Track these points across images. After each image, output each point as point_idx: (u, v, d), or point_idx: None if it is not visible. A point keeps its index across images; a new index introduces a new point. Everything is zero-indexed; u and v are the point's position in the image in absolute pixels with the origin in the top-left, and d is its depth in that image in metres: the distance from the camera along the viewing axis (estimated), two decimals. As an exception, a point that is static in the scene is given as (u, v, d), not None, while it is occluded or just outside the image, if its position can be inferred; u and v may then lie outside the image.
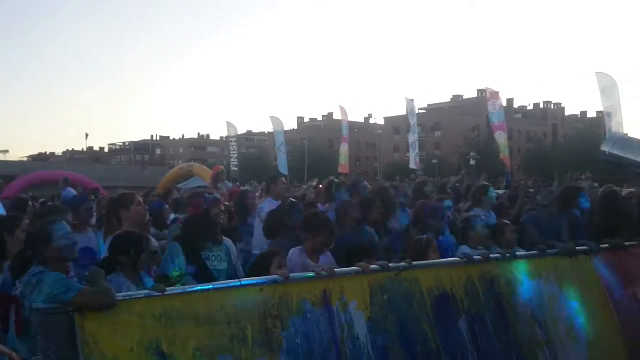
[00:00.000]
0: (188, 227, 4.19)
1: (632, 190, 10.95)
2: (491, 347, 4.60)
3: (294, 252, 4.47)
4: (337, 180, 7.90)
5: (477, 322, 4.64)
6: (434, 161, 64.05)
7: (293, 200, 5.77)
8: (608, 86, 24.25)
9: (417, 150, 32.25)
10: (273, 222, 5.35)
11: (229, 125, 34.41)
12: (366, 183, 7.93)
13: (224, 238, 4.59)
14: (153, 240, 4.60)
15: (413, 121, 31.93)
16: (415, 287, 4.45)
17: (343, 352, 3.90)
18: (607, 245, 5.78)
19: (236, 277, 4.14)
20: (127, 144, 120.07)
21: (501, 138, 26.85)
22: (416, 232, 5.51)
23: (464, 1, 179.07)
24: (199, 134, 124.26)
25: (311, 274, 4.04)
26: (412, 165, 32.27)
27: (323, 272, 4.04)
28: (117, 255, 3.90)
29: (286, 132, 45.95)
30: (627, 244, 5.94)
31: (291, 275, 3.96)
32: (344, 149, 34.75)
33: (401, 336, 4.19)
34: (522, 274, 5.12)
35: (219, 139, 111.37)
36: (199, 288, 3.59)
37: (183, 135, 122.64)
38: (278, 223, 5.26)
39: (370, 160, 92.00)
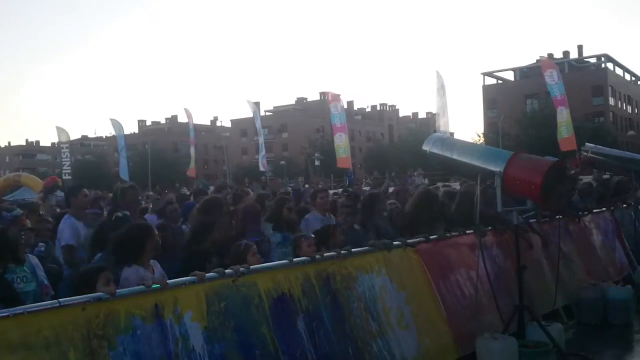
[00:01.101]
0: None
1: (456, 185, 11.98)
2: (328, 343, 4.73)
3: (134, 269, 4.22)
4: (123, 186, 7.14)
5: (314, 319, 4.74)
6: (282, 162, 65.09)
7: (119, 215, 5.45)
8: (441, 87, 26.37)
9: (264, 152, 32.52)
10: (100, 235, 4.99)
11: (60, 130, 31.97)
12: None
13: (29, 255, 4.20)
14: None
15: (258, 124, 32.14)
16: (253, 292, 4.42)
17: (177, 366, 3.76)
18: (433, 237, 6.26)
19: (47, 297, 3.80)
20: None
21: (341, 139, 27.90)
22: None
23: (305, 7, 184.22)
24: (27, 140, 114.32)
25: (140, 288, 3.83)
26: (261, 167, 32.50)
27: (154, 285, 3.86)
28: None
29: (127, 136, 43.80)
30: (448, 235, 6.49)
31: (118, 290, 3.72)
32: (192, 152, 34.02)
33: (239, 343, 4.14)
34: (356, 269, 5.34)
35: (50, 145, 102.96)
36: (7, 313, 3.23)
37: (9, 143, 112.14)
38: (105, 236, 4.92)
39: (219, 163, 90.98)
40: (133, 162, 52.00)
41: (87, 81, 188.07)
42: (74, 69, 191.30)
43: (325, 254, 5.15)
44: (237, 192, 8.49)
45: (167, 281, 4.00)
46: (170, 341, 3.78)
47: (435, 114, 27.58)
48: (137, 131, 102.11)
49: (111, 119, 32.28)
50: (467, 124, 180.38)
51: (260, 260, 4.80)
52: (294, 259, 4.96)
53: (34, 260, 4.23)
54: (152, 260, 4.48)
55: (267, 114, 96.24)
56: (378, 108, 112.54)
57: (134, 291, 3.81)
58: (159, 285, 3.86)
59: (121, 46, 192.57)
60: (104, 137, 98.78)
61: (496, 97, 71.69)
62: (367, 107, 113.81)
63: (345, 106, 38.22)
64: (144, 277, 4.16)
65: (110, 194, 8.09)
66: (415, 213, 6.53)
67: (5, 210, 3.83)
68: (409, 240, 5.92)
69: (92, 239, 5.08)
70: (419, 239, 6.02)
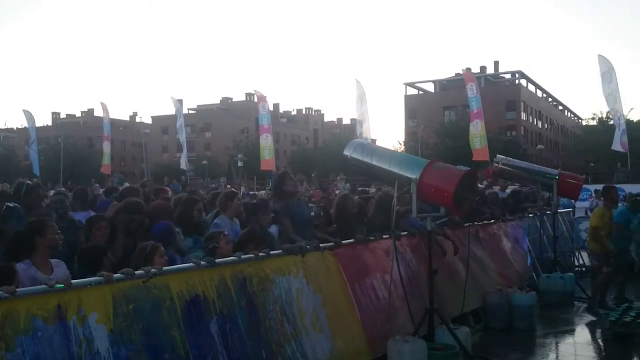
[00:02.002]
0: None
1: (374, 190, 12.23)
2: (241, 346, 4.68)
3: (20, 267, 3.99)
4: (29, 182, 6.75)
5: (228, 322, 4.67)
6: (204, 162, 63.98)
7: (10, 205, 5.14)
8: (361, 94, 26.95)
9: (185, 151, 31.88)
10: None
11: (-35, 119, 30.01)
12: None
13: None
14: None
15: (180, 121, 31.50)
16: (165, 294, 4.31)
17: (81, 369, 3.59)
18: (349, 241, 6.35)
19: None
20: None
21: (267, 140, 27.84)
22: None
23: (233, 8, 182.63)
24: None
25: (42, 287, 3.64)
26: (182, 166, 31.80)
27: (58, 285, 3.67)
28: None
29: (39, 128, 41.70)
30: (365, 238, 6.60)
31: (19, 290, 3.52)
32: (107, 148, 32.82)
33: (148, 346, 4.01)
34: (273, 271, 5.31)
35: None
36: None
37: None
38: None
39: (137, 161, 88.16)
40: (45, 156, 49.48)
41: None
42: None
43: (242, 256, 5.09)
44: (146, 191, 7.78)
45: (72, 281, 3.82)
46: (74, 343, 3.62)
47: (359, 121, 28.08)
48: (50, 124, 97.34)
49: (23, 110, 30.66)
50: (390, 131, 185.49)
51: (167, 262, 4.65)
52: (207, 261, 4.84)
53: None
54: (55, 260, 4.27)
55: (191, 112, 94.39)
56: (304, 112, 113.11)
57: (36, 290, 3.62)
58: (62, 286, 3.68)
59: (36, 34, 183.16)
60: (15, 128, 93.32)
61: (417, 107, 73.97)
62: (293, 110, 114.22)
63: (271, 108, 38.22)
64: (34, 276, 3.96)
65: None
66: (338, 218, 6.64)
67: None
68: (322, 244, 5.95)
69: None
70: (332, 243, 6.07)
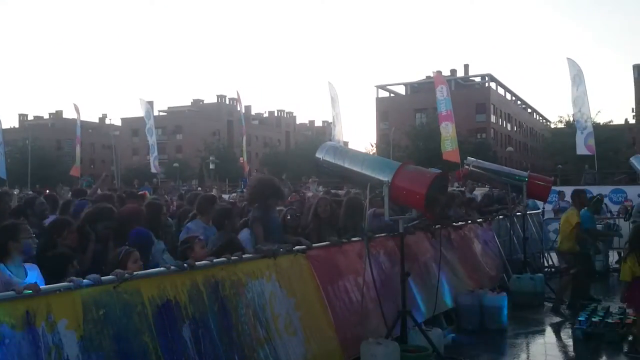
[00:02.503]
0: None
1: (344, 191, 12.25)
2: (214, 351, 4.64)
3: None
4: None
5: (200, 327, 4.63)
6: (175, 164, 63.42)
7: None
8: (333, 97, 27.05)
9: (156, 153, 31.54)
10: None
11: None
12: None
13: None
14: None
15: (150, 123, 31.18)
16: (136, 299, 4.24)
17: (49, 377, 3.52)
18: (324, 243, 6.36)
19: None
20: None
21: (243, 142, 27.71)
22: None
23: (202, 9, 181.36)
24: None
25: (10, 293, 3.55)
26: (152, 169, 31.44)
27: (26, 290, 3.59)
28: None
29: (6, 130, 40.78)
30: (338, 241, 6.61)
31: (-17, 296, 3.44)
32: (77, 151, 32.40)
33: (119, 352, 3.95)
34: (245, 275, 5.29)
35: None
36: None
37: None
38: None
39: (107, 164, 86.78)
40: (11, 159, 48.49)
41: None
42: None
43: (215, 260, 5.06)
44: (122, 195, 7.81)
45: (41, 286, 3.74)
46: (43, 350, 3.54)
47: (331, 123, 28.20)
48: (17, 125, 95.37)
49: (-11, 112, 30.01)
50: (362, 134, 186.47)
51: (142, 267, 4.60)
52: (179, 266, 4.79)
53: None
54: (29, 264, 4.18)
55: (161, 114, 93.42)
56: (275, 114, 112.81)
57: (3, 297, 3.53)
58: (31, 291, 3.60)
59: (2, 34, 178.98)
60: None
61: (388, 109, 74.56)
62: (265, 112, 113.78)
63: (243, 110, 38.04)
64: (8, 281, 3.87)
65: None
66: (312, 221, 6.68)
67: None
68: (295, 247, 5.94)
69: None
70: (305, 246, 6.07)
